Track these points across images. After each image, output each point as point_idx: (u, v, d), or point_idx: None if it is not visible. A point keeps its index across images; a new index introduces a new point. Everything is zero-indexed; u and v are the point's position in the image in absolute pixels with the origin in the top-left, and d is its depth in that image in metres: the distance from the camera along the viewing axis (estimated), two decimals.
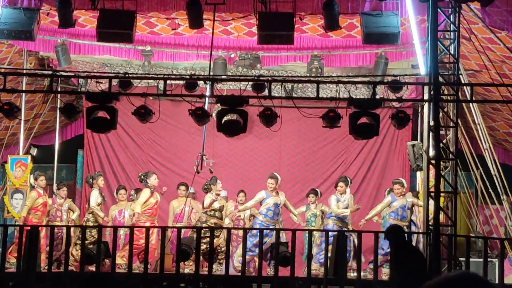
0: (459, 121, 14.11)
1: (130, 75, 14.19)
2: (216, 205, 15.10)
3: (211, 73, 14.78)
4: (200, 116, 13.19)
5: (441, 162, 13.49)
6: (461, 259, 13.65)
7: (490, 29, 13.36)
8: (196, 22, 13.49)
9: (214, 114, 14.04)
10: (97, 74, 15.68)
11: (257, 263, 13.91)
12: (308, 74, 15.78)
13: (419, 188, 15.25)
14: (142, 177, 15.51)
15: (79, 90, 16.24)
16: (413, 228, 15.03)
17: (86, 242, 14.05)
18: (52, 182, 17.09)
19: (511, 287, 12.76)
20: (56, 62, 16.19)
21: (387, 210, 15.09)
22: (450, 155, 13.75)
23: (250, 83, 13.28)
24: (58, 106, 14.94)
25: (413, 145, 14.70)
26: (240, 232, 14.66)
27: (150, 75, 15.61)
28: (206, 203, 14.99)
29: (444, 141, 13.85)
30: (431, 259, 12.57)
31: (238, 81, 14.48)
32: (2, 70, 14.46)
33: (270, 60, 16.45)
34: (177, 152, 17.89)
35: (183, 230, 14.03)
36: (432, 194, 12.80)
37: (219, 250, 14.81)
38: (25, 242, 13.27)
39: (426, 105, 13.63)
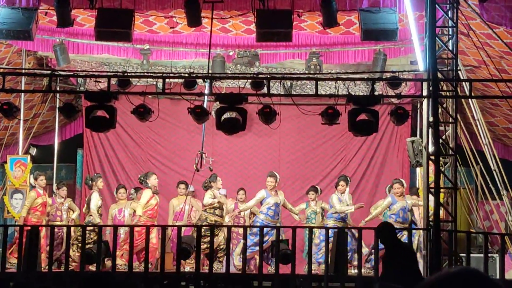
0: (458, 117, 14.11)
1: (129, 74, 14.20)
2: (216, 202, 15.12)
3: (210, 71, 14.77)
4: (199, 114, 13.19)
5: (441, 158, 13.50)
6: (461, 254, 13.67)
7: (488, 24, 13.35)
8: (194, 20, 13.49)
9: (213, 112, 14.04)
10: (96, 73, 15.71)
11: (257, 261, 13.92)
12: (306, 71, 15.77)
13: (419, 184, 15.25)
14: (142, 178, 15.46)
15: (78, 89, 16.26)
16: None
17: (86, 243, 14.07)
18: (52, 182, 17.08)
19: None
20: (54, 61, 16.18)
21: (387, 212, 15.05)
22: (450, 151, 13.75)
23: (249, 80, 13.28)
24: (57, 106, 14.94)
25: (413, 141, 14.70)
26: (240, 230, 14.66)
27: (149, 74, 15.62)
28: (206, 201, 15.01)
29: (444, 137, 13.85)
30: (432, 255, 12.59)
31: (237, 78, 14.49)
32: (1, 70, 14.46)
33: (269, 57, 16.45)
34: (177, 151, 17.89)
35: (183, 229, 14.02)
36: (432, 190, 12.81)
37: (218, 248, 14.81)
38: (25, 242, 13.28)
39: (425, 101, 13.63)
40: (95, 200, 15.24)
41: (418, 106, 16.15)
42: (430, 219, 12.91)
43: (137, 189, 15.83)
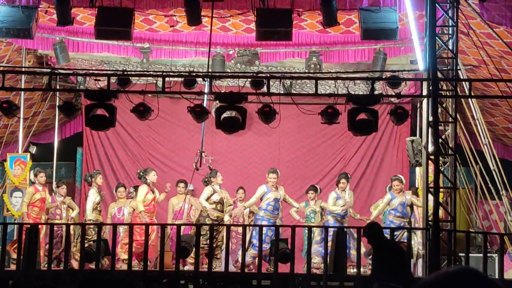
0: (458, 117, 14.11)
1: (128, 73, 14.21)
2: (216, 197, 15.14)
3: (210, 70, 14.78)
4: (199, 113, 13.19)
5: (440, 158, 13.50)
6: (460, 254, 13.66)
7: (488, 24, 13.35)
8: (194, 19, 13.49)
9: (213, 111, 14.04)
10: (96, 72, 15.69)
11: (256, 260, 13.92)
12: (306, 70, 15.77)
13: (419, 184, 15.26)
14: (141, 173, 15.55)
15: (77, 88, 16.27)
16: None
17: (87, 240, 14.10)
18: (52, 180, 17.08)
19: (511, 282, 12.76)
20: (54, 60, 16.18)
21: (387, 208, 15.08)
22: (449, 150, 13.75)
23: (249, 79, 13.27)
24: (57, 104, 14.94)
25: (412, 141, 14.71)
26: (240, 229, 14.67)
27: (149, 73, 15.62)
28: (202, 196, 15.09)
29: (443, 136, 13.85)
30: (431, 255, 12.59)
31: (237, 77, 14.48)
32: (1, 69, 14.47)
33: (269, 56, 16.44)
34: (176, 149, 17.90)
35: (182, 227, 14.03)
36: (432, 189, 12.81)
37: (216, 245, 14.80)
38: (24, 240, 13.28)
39: (424, 101, 13.63)
40: (92, 197, 15.27)
41: (418, 105, 16.16)
42: (429, 219, 12.91)
43: (136, 188, 15.84)
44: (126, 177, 17.55)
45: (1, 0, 13.48)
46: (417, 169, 15.32)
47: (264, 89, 13.13)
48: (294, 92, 16.45)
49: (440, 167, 13.31)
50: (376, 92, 14.18)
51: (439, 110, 13.24)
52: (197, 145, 16.14)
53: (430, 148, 13.13)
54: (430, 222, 12.86)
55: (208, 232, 14.07)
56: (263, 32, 13.28)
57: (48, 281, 12.80)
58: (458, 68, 13.85)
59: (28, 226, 13.78)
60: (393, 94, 14.23)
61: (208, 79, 13.56)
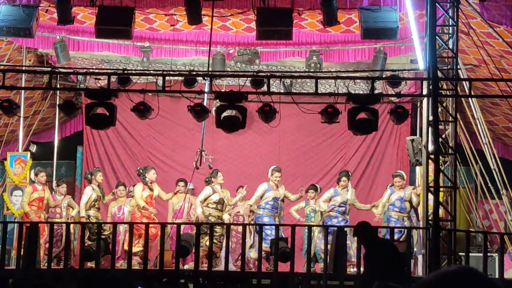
0: (458, 116, 14.11)
1: (129, 72, 14.19)
2: (215, 197, 15.15)
3: (210, 69, 14.78)
4: (199, 112, 13.20)
5: (441, 157, 13.50)
6: (461, 254, 13.66)
7: (488, 23, 13.35)
8: (194, 18, 13.49)
9: (213, 110, 14.04)
10: (96, 71, 15.70)
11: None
12: (306, 70, 15.77)
13: (419, 183, 15.26)
14: (141, 171, 15.56)
15: (78, 86, 16.28)
16: (407, 223, 14.95)
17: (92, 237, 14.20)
18: (52, 179, 17.08)
19: (511, 282, 12.76)
20: (55, 58, 16.18)
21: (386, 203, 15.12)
22: (450, 150, 13.76)
23: (249, 78, 13.27)
24: (57, 103, 14.95)
25: (412, 140, 14.71)
26: (240, 228, 14.67)
27: (149, 71, 15.63)
28: (200, 196, 15.10)
29: (443, 136, 13.86)
30: (431, 254, 12.59)
31: (237, 77, 14.47)
32: (1, 67, 14.47)
33: (269, 55, 16.44)
34: (176, 148, 17.90)
35: (182, 226, 14.03)
36: (432, 189, 12.81)
37: (215, 242, 14.81)
38: (24, 239, 13.29)
39: (425, 100, 13.63)
40: (87, 194, 15.26)
41: (418, 105, 16.17)
42: (430, 218, 12.91)
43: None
44: (126, 176, 17.54)
45: None
46: (417, 168, 15.31)
47: (264, 88, 13.12)
48: (294, 91, 16.45)
49: (440, 167, 13.31)
50: (376, 92, 14.18)
51: (439, 109, 13.24)
52: (197, 144, 16.14)
53: (430, 147, 13.13)
54: (430, 222, 12.86)
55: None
56: (263, 31, 13.29)
57: (48, 280, 12.82)
58: (458, 67, 13.85)
59: (28, 225, 13.79)
60: (393, 93, 14.24)
61: (209, 78, 13.56)
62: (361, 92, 16.09)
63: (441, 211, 13.18)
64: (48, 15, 14.49)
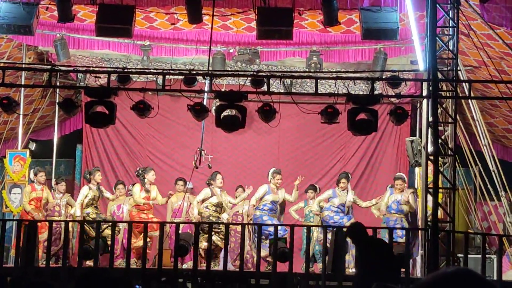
0: (457, 117, 14.12)
1: (129, 70, 14.18)
2: (214, 200, 15.15)
3: (210, 68, 14.77)
4: (198, 111, 13.20)
5: (440, 158, 13.50)
6: (459, 255, 13.66)
7: (489, 25, 13.36)
8: (195, 17, 13.49)
9: (213, 110, 14.04)
10: (96, 69, 15.70)
11: (255, 258, 13.92)
12: (307, 70, 15.77)
13: (418, 184, 15.26)
14: (140, 171, 15.53)
15: (78, 84, 16.29)
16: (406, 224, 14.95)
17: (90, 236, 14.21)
18: (51, 177, 17.07)
19: (509, 284, 12.76)
20: (55, 56, 16.18)
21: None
22: (449, 151, 13.76)
23: (249, 78, 13.27)
24: (57, 101, 14.94)
25: (412, 141, 14.71)
26: (238, 228, 14.66)
27: (149, 70, 15.61)
28: (198, 197, 15.10)
29: (443, 137, 13.86)
30: (429, 255, 12.59)
31: (237, 76, 14.47)
32: (1, 65, 14.45)
33: (269, 55, 16.44)
34: (176, 147, 17.89)
35: (181, 226, 14.03)
36: (431, 190, 12.81)
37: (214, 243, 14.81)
38: (23, 237, 13.29)
39: (424, 101, 13.64)
40: (82, 194, 15.24)
41: (418, 106, 16.16)
42: (428, 219, 12.91)
43: (135, 186, 15.83)
44: (125, 174, 17.53)
45: None
46: (417, 169, 15.32)
47: (264, 88, 13.12)
48: (294, 91, 16.45)
49: (440, 168, 13.31)
50: (376, 92, 14.17)
51: (439, 110, 13.24)
52: (196, 143, 16.13)
53: (430, 148, 13.14)
54: (429, 223, 12.86)
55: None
56: (263, 31, 13.29)
57: (47, 278, 12.82)
58: (458, 68, 13.86)
59: (27, 223, 13.79)
60: (393, 94, 14.23)
61: (209, 78, 13.56)
62: (361, 93, 16.08)
63: (440, 212, 13.18)
64: (49, 13, 14.49)
